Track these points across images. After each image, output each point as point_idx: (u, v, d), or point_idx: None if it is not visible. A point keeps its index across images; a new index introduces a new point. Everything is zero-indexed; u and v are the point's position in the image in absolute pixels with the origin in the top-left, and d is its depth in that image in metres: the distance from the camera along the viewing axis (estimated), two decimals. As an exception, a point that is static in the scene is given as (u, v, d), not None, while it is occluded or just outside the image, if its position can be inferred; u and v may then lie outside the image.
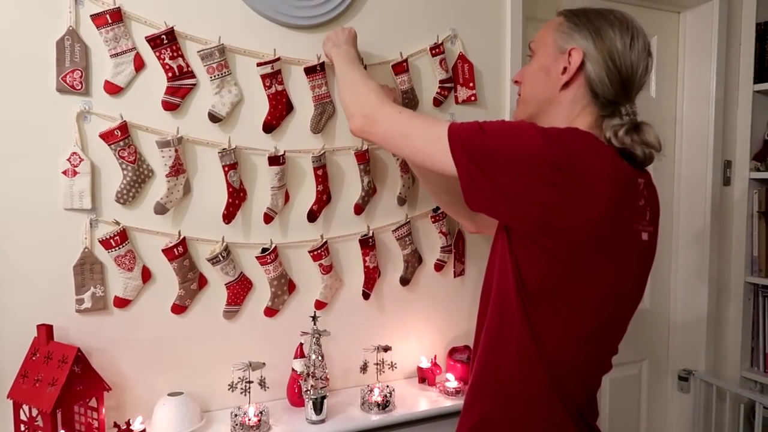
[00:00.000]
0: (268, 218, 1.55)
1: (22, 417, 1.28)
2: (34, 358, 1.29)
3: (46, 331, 1.30)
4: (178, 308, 1.48)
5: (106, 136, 1.36)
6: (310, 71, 1.56)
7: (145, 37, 1.38)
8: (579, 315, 1.05)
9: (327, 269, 1.62)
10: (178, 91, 1.44)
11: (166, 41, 1.39)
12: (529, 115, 1.21)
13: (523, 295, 1.06)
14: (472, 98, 1.80)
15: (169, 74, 1.42)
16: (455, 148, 1.06)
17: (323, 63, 1.57)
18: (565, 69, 1.11)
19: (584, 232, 1.00)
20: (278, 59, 1.52)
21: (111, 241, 1.38)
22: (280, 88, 1.54)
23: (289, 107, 1.57)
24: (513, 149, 1.01)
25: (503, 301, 1.11)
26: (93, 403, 1.33)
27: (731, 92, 2.33)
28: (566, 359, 1.07)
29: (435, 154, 1.09)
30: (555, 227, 1.00)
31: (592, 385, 1.14)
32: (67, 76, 1.33)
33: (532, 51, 1.22)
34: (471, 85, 1.79)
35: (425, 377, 1.74)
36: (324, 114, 1.60)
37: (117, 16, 1.35)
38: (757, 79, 2.30)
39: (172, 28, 1.40)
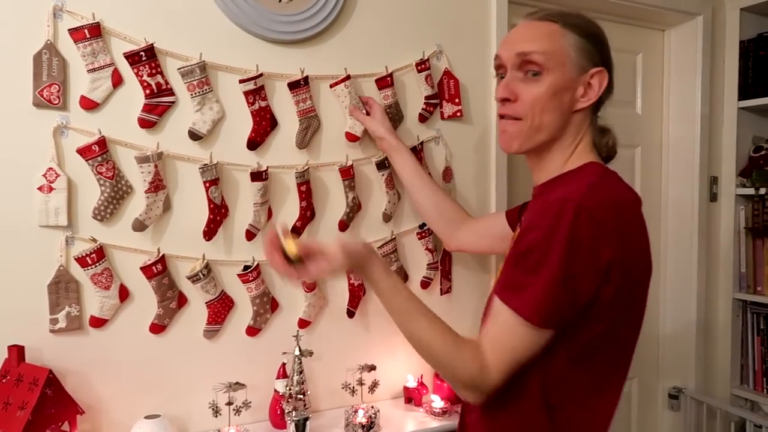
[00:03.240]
0: (250, 235, 1.52)
1: (-9, 442, 1.23)
2: (4, 381, 1.24)
3: (17, 352, 1.26)
4: (157, 328, 1.44)
5: (84, 152, 1.33)
6: (293, 86, 1.54)
7: (123, 54, 1.36)
8: (610, 367, 1.02)
9: (311, 287, 1.59)
10: (156, 108, 1.41)
11: (144, 58, 1.37)
12: (539, 144, 1.07)
13: (542, 361, 0.97)
14: (458, 114, 1.79)
15: (147, 91, 1.40)
16: (547, 321, 0.93)
17: (307, 77, 1.55)
18: (584, 92, 1.04)
19: (636, 287, 0.99)
20: (261, 75, 1.50)
21: (87, 258, 1.34)
22: (263, 104, 1.52)
23: (273, 123, 1.55)
24: (584, 288, 0.92)
25: None
26: (65, 427, 1.29)
27: (716, 109, 2.35)
28: (588, 425, 1.02)
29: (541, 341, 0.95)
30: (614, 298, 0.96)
31: None
32: (44, 90, 1.31)
33: (535, 65, 1.02)
34: (457, 100, 1.78)
35: (411, 397, 1.71)
36: (309, 128, 1.58)
37: (96, 31, 1.33)
38: (742, 95, 2.32)
39: (152, 44, 1.38)
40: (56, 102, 1.32)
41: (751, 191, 2.29)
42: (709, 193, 2.34)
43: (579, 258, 0.90)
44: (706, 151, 2.30)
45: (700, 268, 2.31)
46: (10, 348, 1.26)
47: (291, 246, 1.03)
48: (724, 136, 2.37)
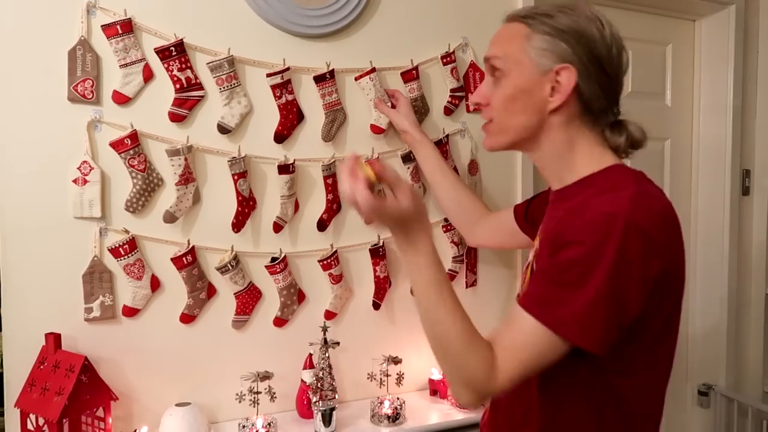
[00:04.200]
0: (277, 227, 1.54)
1: (29, 426, 1.27)
2: (41, 367, 1.28)
3: (54, 339, 1.30)
4: (187, 318, 1.47)
5: (117, 145, 1.36)
6: (319, 80, 1.55)
7: (154, 49, 1.39)
8: (653, 374, 0.99)
9: (337, 279, 1.61)
10: (186, 102, 1.44)
11: (174, 53, 1.40)
12: (508, 145, 1.06)
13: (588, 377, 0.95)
14: (484, 107, 1.78)
15: (177, 86, 1.42)
16: (585, 338, 0.87)
17: (333, 71, 1.56)
18: (553, 89, 0.98)
19: (676, 296, 0.97)
20: (288, 69, 1.52)
21: (120, 249, 1.37)
22: (290, 97, 1.54)
23: (300, 116, 1.56)
24: (633, 300, 0.89)
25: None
26: (100, 412, 1.33)
27: (749, 100, 2.30)
28: (650, 417, 1.01)
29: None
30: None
31: None
32: (79, 86, 1.34)
33: (497, 69, 1.02)
34: (482, 93, 1.77)
35: (437, 389, 1.71)
36: (335, 122, 1.59)
37: (127, 27, 1.36)
38: (776, 86, 2.27)
39: (182, 40, 1.41)
40: (90, 97, 1.35)
41: (784, 184, 2.24)
42: (741, 187, 2.29)
43: (628, 275, 0.86)
44: (738, 143, 2.26)
45: (731, 263, 2.27)
46: (48, 335, 1.30)
47: (370, 172, 0.89)
48: (757, 128, 2.32)
